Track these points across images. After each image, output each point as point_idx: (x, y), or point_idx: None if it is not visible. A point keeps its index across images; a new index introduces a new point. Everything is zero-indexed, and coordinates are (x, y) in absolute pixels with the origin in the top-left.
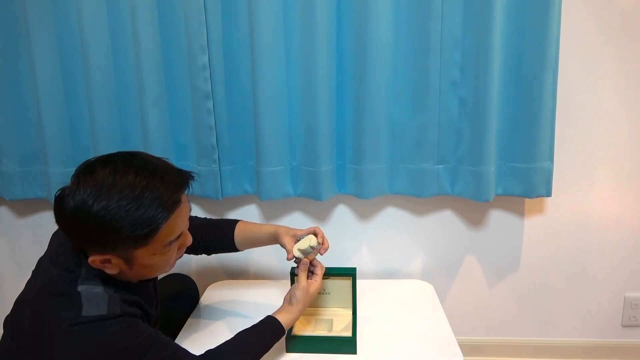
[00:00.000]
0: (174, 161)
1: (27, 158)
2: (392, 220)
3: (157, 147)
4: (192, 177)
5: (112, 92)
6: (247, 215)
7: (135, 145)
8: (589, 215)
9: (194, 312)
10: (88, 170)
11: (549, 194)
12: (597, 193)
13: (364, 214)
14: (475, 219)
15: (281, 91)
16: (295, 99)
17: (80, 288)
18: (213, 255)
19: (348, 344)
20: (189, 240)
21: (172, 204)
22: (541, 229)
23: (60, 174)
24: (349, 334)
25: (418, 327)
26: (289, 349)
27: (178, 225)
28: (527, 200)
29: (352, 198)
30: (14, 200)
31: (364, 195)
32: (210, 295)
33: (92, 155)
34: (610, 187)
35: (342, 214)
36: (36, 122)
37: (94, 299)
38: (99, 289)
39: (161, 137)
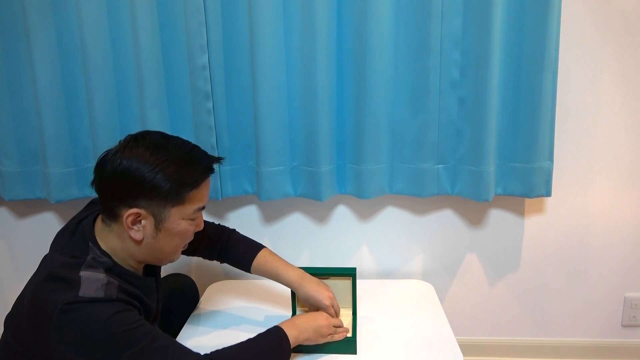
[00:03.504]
0: None
1: (26, 158)
2: (392, 220)
3: None
4: (221, 158)
5: (112, 92)
6: (247, 215)
7: None
8: (589, 215)
9: (194, 312)
10: (137, 136)
11: (548, 194)
12: (596, 193)
13: (364, 214)
14: (475, 219)
15: (281, 91)
16: (295, 99)
17: (82, 273)
18: None
19: (348, 344)
20: (202, 224)
21: (210, 168)
22: (541, 228)
23: (60, 174)
24: (349, 334)
25: (418, 327)
26: None
27: (206, 194)
28: (527, 199)
29: (352, 198)
30: (14, 200)
31: (364, 195)
32: (210, 295)
33: (92, 155)
34: (610, 187)
35: (342, 214)
36: (36, 122)
37: (93, 283)
38: (100, 276)
39: None
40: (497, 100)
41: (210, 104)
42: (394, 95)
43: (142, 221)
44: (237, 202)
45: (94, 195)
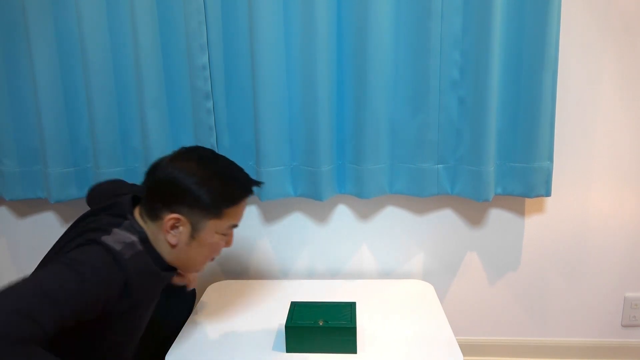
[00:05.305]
0: None
1: (26, 158)
2: (392, 220)
3: (157, 147)
4: (261, 182)
5: (112, 92)
6: (247, 215)
7: (135, 145)
8: (589, 215)
9: (194, 312)
10: (190, 149)
11: (548, 194)
12: (596, 192)
13: (364, 214)
14: (475, 219)
15: (281, 91)
16: (295, 98)
17: (115, 229)
18: None
19: (348, 344)
20: (231, 242)
21: (250, 189)
22: (541, 228)
23: (60, 174)
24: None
25: (418, 327)
26: (289, 349)
27: (241, 213)
28: (526, 199)
29: (352, 198)
30: (14, 200)
31: (364, 195)
32: (210, 296)
33: (91, 155)
34: (609, 187)
35: (342, 214)
36: (36, 122)
37: (118, 235)
38: (131, 236)
39: (161, 137)
40: (496, 100)
41: (210, 104)
42: (394, 95)
43: (180, 227)
44: None
45: None
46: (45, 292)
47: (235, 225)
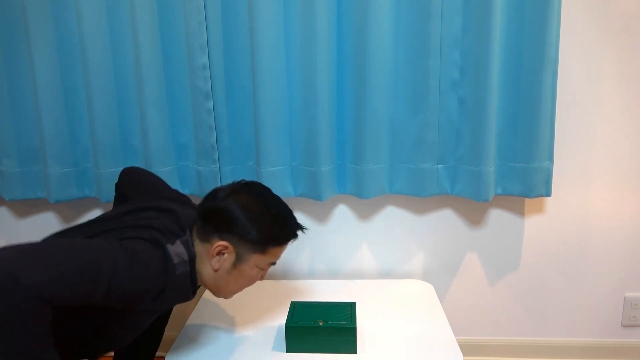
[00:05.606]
0: (174, 161)
1: (26, 158)
2: (392, 220)
3: (157, 147)
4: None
5: (112, 92)
6: None
7: (135, 145)
8: (589, 215)
9: (194, 312)
10: (250, 184)
11: (548, 194)
12: (596, 193)
13: (364, 214)
14: (475, 219)
15: (281, 91)
16: (295, 99)
17: (177, 241)
18: None
19: (348, 344)
20: (264, 276)
21: (296, 234)
22: (541, 228)
23: (60, 174)
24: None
25: (418, 327)
26: (289, 349)
27: (281, 253)
28: (526, 199)
29: (352, 198)
30: (14, 200)
31: (364, 195)
32: (210, 295)
33: (91, 155)
34: (609, 187)
35: (342, 214)
36: (36, 122)
37: (179, 247)
38: (186, 255)
39: (161, 137)
40: (496, 100)
41: (210, 104)
42: (394, 95)
43: (225, 255)
44: None
45: (94, 195)
46: (96, 264)
47: (273, 263)
